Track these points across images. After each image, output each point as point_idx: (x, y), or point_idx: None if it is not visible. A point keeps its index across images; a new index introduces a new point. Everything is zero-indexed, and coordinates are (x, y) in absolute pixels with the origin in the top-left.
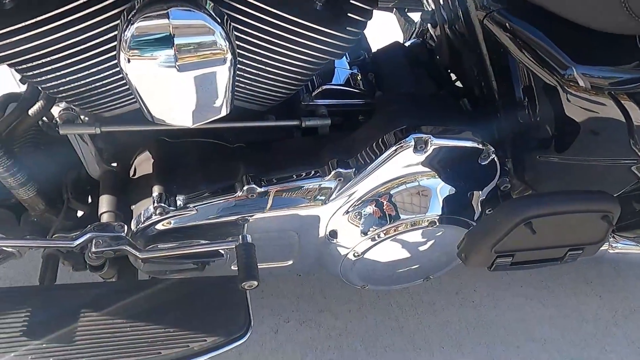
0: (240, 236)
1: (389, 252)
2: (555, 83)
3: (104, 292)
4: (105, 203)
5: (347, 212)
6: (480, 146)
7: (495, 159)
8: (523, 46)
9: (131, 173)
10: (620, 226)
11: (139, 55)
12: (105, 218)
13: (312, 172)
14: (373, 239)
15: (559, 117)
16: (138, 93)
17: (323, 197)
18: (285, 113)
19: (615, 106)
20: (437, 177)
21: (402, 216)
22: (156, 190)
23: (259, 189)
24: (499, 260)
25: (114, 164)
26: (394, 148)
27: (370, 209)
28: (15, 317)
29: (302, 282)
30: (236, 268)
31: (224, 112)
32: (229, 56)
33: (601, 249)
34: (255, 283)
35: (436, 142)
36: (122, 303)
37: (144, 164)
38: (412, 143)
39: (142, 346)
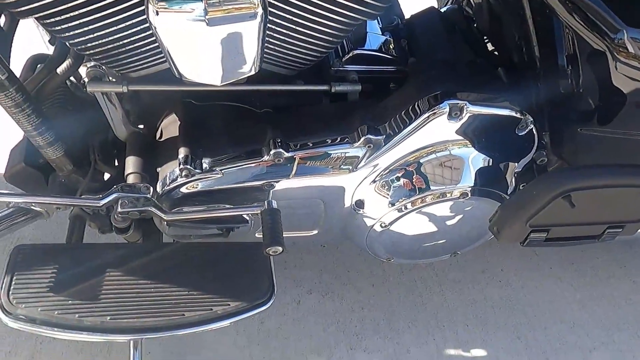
0: (265, 202)
1: (416, 224)
2: (604, 48)
3: (130, 253)
4: (131, 164)
5: (374, 181)
6: (518, 115)
7: (534, 129)
8: (571, 8)
9: (157, 135)
10: None
11: (167, 8)
12: (131, 179)
13: (341, 139)
14: (400, 210)
15: (605, 86)
16: (166, 48)
17: (350, 165)
18: (314, 78)
19: None
20: (470, 146)
21: (431, 187)
22: (182, 152)
23: (286, 154)
24: (533, 235)
25: (141, 126)
26: (427, 114)
27: (398, 178)
28: (43, 273)
29: (325, 254)
30: (260, 235)
31: (252, 71)
32: (260, 11)
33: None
34: (280, 249)
35: (472, 109)
36: (147, 264)
37: (170, 126)
38: (447, 109)
39: (166, 307)
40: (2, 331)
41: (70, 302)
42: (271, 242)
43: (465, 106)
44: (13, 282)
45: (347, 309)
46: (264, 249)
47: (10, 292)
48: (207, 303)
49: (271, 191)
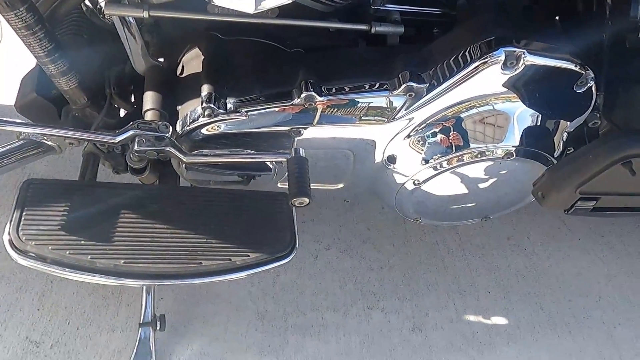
0: (292, 149)
1: (451, 184)
2: None
3: (146, 195)
4: (149, 100)
5: (409, 135)
6: (579, 69)
7: (593, 87)
8: None
9: (178, 70)
10: None
11: None
12: (149, 116)
13: (379, 85)
14: (435, 168)
15: None
16: None
17: (387, 115)
18: (351, 18)
19: None
20: (517, 101)
21: (471, 144)
22: (205, 90)
23: (318, 98)
24: (581, 203)
25: (161, 60)
26: (479, 62)
27: (435, 133)
28: (55, 210)
29: (345, 210)
30: (283, 185)
31: None
32: None
33: None
34: (307, 200)
35: (530, 59)
36: (165, 208)
37: (193, 61)
38: (502, 58)
39: (183, 254)
40: (13, 267)
41: (82, 242)
42: (298, 193)
43: (522, 55)
44: (23, 218)
45: (365, 267)
46: (290, 200)
47: (20, 228)
48: (225, 252)
49: (298, 138)
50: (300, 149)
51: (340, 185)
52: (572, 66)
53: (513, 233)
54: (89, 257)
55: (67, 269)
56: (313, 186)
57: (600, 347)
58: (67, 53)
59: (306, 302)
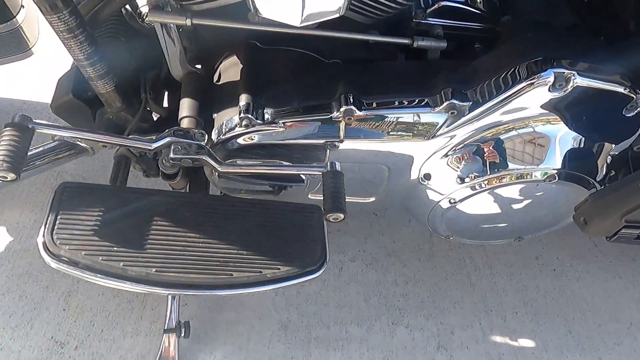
0: (328, 163)
1: (486, 204)
2: None
3: (179, 202)
4: (186, 107)
5: (447, 154)
6: (629, 93)
7: None
8: None
9: (215, 78)
10: None
11: None
12: (185, 123)
13: (420, 101)
14: (474, 188)
15: None
16: None
17: (427, 132)
18: (392, 31)
19: None
20: (561, 123)
21: (511, 166)
22: (243, 99)
23: (358, 112)
24: (625, 230)
25: (198, 66)
26: (527, 82)
27: (474, 154)
28: (89, 215)
29: (370, 221)
30: (314, 197)
31: (339, 12)
32: None
33: None
34: (342, 216)
35: (580, 81)
36: (197, 216)
37: (230, 69)
38: (552, 79)
39: (214, 264)
40: (41, 265)
41: (115, 248)
42: (333, 208)
43: (572, 77)
44: (58, 221)
45: (390, 281)
46: (325, 215)
47: (55, 232)
48: (256, 264)
49: (334, 151)
50: (336, 162)
51: (372, 199)
52: (621, 89)
53: (542, 252)
54: (122, 264)
55: (98, 275)
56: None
57: None
58: (105, 56)
59: (330, 314)
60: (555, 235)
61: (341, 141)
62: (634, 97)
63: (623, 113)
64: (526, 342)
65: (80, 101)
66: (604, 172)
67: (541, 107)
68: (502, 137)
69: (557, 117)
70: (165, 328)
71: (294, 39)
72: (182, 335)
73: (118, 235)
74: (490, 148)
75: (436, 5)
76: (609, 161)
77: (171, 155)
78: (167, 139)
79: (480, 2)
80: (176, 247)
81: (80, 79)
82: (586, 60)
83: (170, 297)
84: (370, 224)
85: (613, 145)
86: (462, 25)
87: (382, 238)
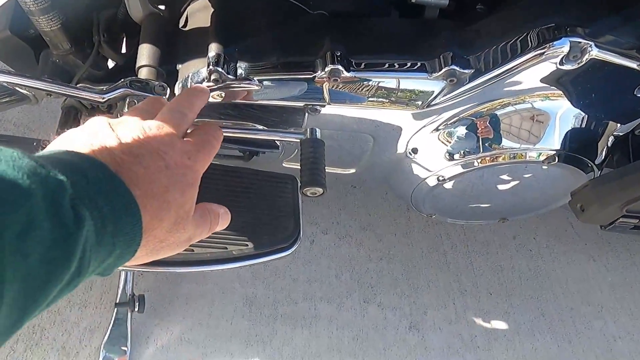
0: (307, 129)
1: (476, 183)
2: None
3: None
4: (145, 55)
5: (439, 128)
6: None
7: None
8: None
9: (182, 22)
10: None
11: None
12: (144, 73)
13: (417, 65)
14: (465, 166)
15: None
16: None
17: (421, 101)
18: None
19: None
20: (564, 99)
21: (507, 144)
22: (213, 49)
23: (345, 73)
24: (623, 220)
25: (162, 7)
26: (537, 52)
27: (469, 128)
28: None
29: (347, 193)
30: (289, 165)
31: None
32: None
33: None
34: (321, 190)
35: (597, 54)
36: None
37: (200, 12)
38: (567, 48)
39: None
40: None
41: None
42: (311, 182)
43: (589, 48)
44: None
45: (364, 256)
46: (302, 189)
47: None
48: (221, 240)
49: (315, 116)
50: (317, 129)
51: (352, 171)
52: (636, 65)
53: (519, 232)
54: None
55: None
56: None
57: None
58: None
59: (299, 290)
60: (539, 213)
61: (323, 105)
62: None
63: (635, 93)
64: (499, 324)
65: (20, 40)
66: (604, 155)
67: (546, 80)
68: (498, 112)
69: (560, 92)
70: (117, 301)
71: None
72: (136, 309)
73: None
74: (486, 124)
75: None
76: (609, 143)
77: (126, 109)
78: (121, 90)
79: None
80: None
81: (21, 13)
82: (604, 30)
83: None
84: (346, 194)
85: (618, 125)
86: None
87: (357, 210)
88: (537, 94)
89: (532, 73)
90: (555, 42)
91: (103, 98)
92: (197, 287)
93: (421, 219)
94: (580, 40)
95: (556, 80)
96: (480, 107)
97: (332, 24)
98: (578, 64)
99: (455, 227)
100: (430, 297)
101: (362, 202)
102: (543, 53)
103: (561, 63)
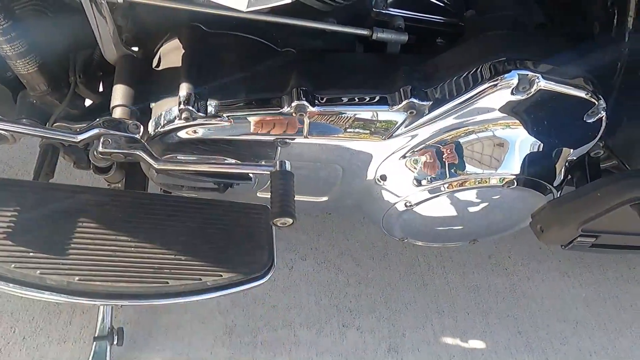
0: (277, 162)
1: (442, 207)
2: None
3: (111, 201)
4: (119, 95)
5: (405, 155)
6: (592, 99)
7: (604, 118)
8: None
9: (155, 62)
10: None
11: None
12: (118, 113)
13: (378, 98)
14: (432, 192)
15: None
16: None
17: (384, 131)
18: (351, 20)
19: None
20: (521, 127)
21: (470, 170)
22: (184, 89)
23: (311, 108)
24: (581, 239)
25: (135, 49)
26: (489, 84)
27: (434, 155)
28: (2, 215)
29: (324, 219)
30: (263, 195)
31: None
32: None
33: None
34: (291, 220)
35: (544, 85)
36: (131, 218)
37: (172, 53)
38: (515, 81)
39: (147, 272)
40: None
41: (31, 254)
42: (281, 212)
43: (536, 80)
44: None
45: (342, 281)
46: (271, 219)
47: None
48: (195, 271)
49: (284, 149)
50: (286, 162)
51: (325, 199)
52: (585, 95)
53: (494, 251)
54: (38, 272)
55: (11, 285)
56: (299, 198)
57: None
58: (26, 32)
59: (278, 317)
60: (508, 234)
61: (292, 138)
62: (596, 103)
63: (584, 119)
64: (477, 344)
65: None
66: (562, 178)
67: (502, 110)
68: (461, 140)
69: (517, 120)
70: (96, 335)
71: (243, 24)
72: (115, 342)
73: (36, 239)
74: (450, 151)
75: None
76: (566, 166)
77: (100, 149)
78: (96, 131)
79: None
80: (104, 253)
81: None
82: (551, 63)
83: None
84: (324, 220)
85: (571, 151)
86: (424, 17)
87: (335, 236)
88: (498, 122)
89: (491, 103)
90: (505, 75)
91: (77, 139)
92: (176, 317)
93: (397, 243)
94: (528, 72)
95: (513, 110)
96: (445, 135)
97: (299, 61)
98: (527, 94)
99: (431, 249)
100: (408, 319)
101: (340, 227)
102: (494, 85)
103: (512, 94)
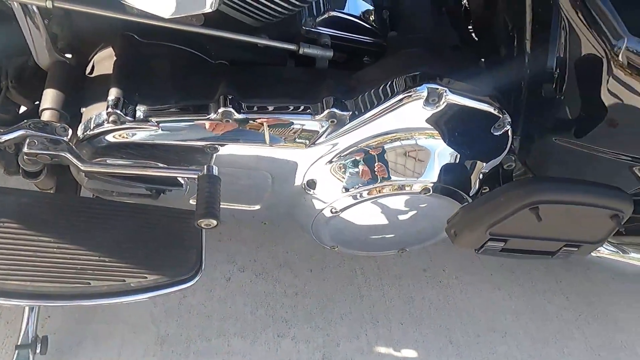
0: (205, 166)
1: (368, 214)
2: (601, 54)
3: (34, 202)
4: (49, 99)
5: (330, 161)
6: (497, 113)
7: (510, 131)
8: (578, 4)
9: (88, 69)
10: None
11: None
12: (46, 116)
13: (302, 108)
14: (355, 197)
15: (592, 97)
16: None
17: (308, 139)
18: (281, 36)
19: None
20: (438, 138)
21: (392, 177)
22: (113, 93)
23: (237, 115)
24: (490, 243)
25: (69, 56)
26: (402, 96)
27: (356, 163)
28: None
29: (264, 230)
30: (194, 202)
31: (210, 7)
32: None
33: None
34: (215, 222)
35: (451, 98)
36: (55, 219)
37: (104, 61)
38: (425, 93)
39: (69, 272)
40: None
41: None
42: (205, 214)
43: (444, 93)
44: None
45: (280, 292)
46: (196, 220)
47: None
48: (119, 272)
49: (213, 155)
50: (214, 166)
51: (257, 207)
52: (490, 109)
53: (430, 265)
54: None
55: None
56: (229, 205)
57: None
58: None
59: (213, 327)
60: (443, 247)
61: (221, 145)
62: (501, 116)
63: (492, 132)
64: (409, 353)
65: None
66: (477, 188)
67: (419, 121)
68: (385, 147)
69: (435, 132)
70: (19, 343)
71: (177, 35)
72: (38, 351)
73: None
74: (373, 158)
75: (326, 15)
76: (481, 177)
77: (25, 149)
78: (21, 132)
79: (371, 16)
80: (25, 253)
81: None
82: (460, 79)
83: (27, 308)
84: (264, 232)
85: (484, 163)
86: (350, 37)
87: (274, 248)
88: (417, 133)
89: (408, 114)
90: (417, 88)
91: (2, 139)
92: (107, 326)
93: (336, 255)
94: (437, 86)
95: (429, 122)
96: (367, 143)
97: (230, 72)
98: (437, 107)
99: (369, 262)
100: (344, 329)
101: (280, 239)
102: (407, 97)
103: (424, 106)
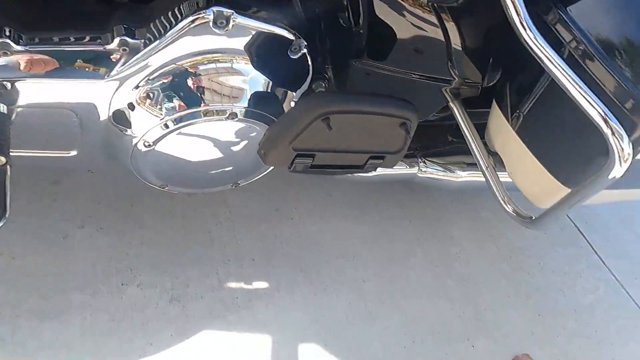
0: None
1: (186, 146)
2: None
3: None
4: None
5: (136, 88)
6: (289, 36)
7: (307, 55)
8: None
9: None
10: (432, 152)
11: None
12: None
13: (91, 37)
14: (163, 128)
15: (379, 22)
16: None
17: (103, 71)
18: None
19: (437, 23)
20: (246, 64)
21: (199, 103)
22: None
23: (16, 47)
24: (299, 160)
25: None
26: (190, 19)
27: (162, 90)
28: None
29: (105, 185)
30: None
31: None
32: None
33: (411, 171)
34: (3, 160)
35: (239, 21)
36: None
37: None
38: (212, 16)
39: None
40: None
41: None
42: None
43: (231, 15)
44: None
45: (124, 243)
46: None
47: None
48: None
49: (6, 92)
50: (2, 104)
51: (74, 153)
52: (282, 32)
53: (282, 204)
54: None
55: None
56: (43, 153)
57: (349, 300)
58: None
59: (48, 285)
60: (296, 188)
61: (10, 81)
62: (294, 39)
63: (289, 55)
64: (260, 285)
65: None
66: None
67: (218, 44)
68: (189, 73)
69: (237, 56)
70: None
71: None
72: None
73: None
74: (179, 84)
75: None
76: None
77: None
78: None
79: None
80: None
81: None
82: (253, 5)
83: None
84: (105, 187)
85: (294, 93)
86: None
87: (117, 201)
88: (222, 56)
89: (201, 39)
90: (205, 11)
91: None
92: None
93: (186, 203)
94: (223, 9)
95: (228, 45)
96: (168, 69)
97: (18, 5)
98: (225, 30)
99: (221, 207)
100: (194, 272)
101: (123, 193)
102: (194, 20)
103: (213, 29)
